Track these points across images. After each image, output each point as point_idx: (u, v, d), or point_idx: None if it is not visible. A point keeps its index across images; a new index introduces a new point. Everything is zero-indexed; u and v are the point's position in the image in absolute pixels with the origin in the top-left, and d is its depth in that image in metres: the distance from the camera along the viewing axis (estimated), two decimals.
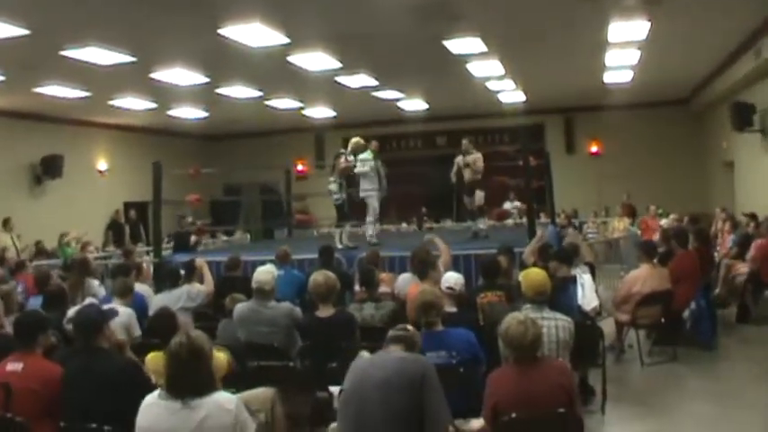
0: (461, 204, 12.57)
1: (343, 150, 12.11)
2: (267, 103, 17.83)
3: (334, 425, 4.49)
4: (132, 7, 9.37)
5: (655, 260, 9.08)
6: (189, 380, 3.65)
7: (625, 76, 16.37)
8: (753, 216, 12.68)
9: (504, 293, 6.55)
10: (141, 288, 8.15)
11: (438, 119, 21.46)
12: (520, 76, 16.30)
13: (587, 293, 7.71)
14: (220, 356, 4.88)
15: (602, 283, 11.18)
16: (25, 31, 9.98)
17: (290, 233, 17.00)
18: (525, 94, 18.61)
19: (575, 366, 5.37)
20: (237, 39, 11.01)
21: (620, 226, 17.12)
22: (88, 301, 6.96)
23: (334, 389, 4.73)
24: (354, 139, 11.94)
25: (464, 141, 12.02)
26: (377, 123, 20.81)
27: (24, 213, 16.39)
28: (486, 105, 19.76)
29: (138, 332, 6.52)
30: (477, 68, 14.69)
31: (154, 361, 4.85)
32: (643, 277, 8.71)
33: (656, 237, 11.67)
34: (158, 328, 5.68)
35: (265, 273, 6.56)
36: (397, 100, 18.68)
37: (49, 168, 17.44)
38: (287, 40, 11.37)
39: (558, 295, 6.38)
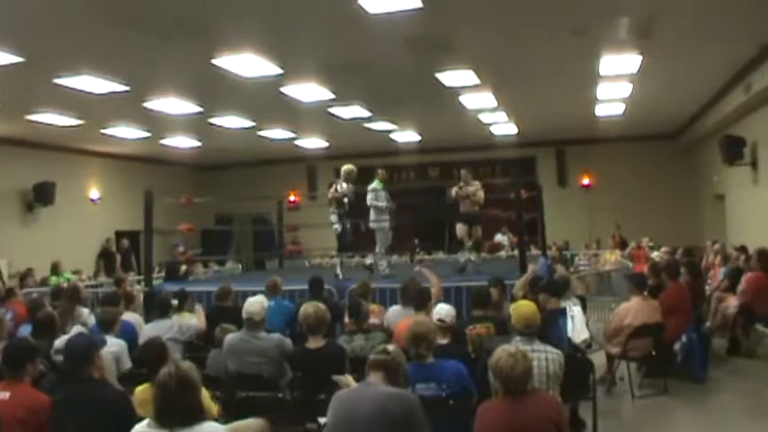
0: (453, 237, 12.55)
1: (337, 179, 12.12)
2: (260, 133, 17.87)
3: None
4: (126, 36, 9.41)
5: (645, 292, 9.09)
6: (177, 410, 3.63)
7: (617, 110, 16.46)
8: (743, 249, 12.70)
9: (494, 325, 6.53)
10: (131, 317, 8.12)
11: (430, 151, 21.53)
12: (512, 109, 16.36)
13: (577, 326, 7.69)
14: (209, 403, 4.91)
15: (593, 315, 11.19)
16: (19, 59, 10.01)
17: (282, 264, 16.98)
18: (517, 126, 18.66)
19: (565, 399, 5.34)
20: (231, 69, 11.06)
21: (611, 258, 17.12)
22: (77, 329, 6.92)
23: (324, 420, 4.69)
24: (346, 167, 11.92)
25: (463, 171, 12.02)
26: (369, 155, 20.80)
27: (15, 240, 16.38)
28: (479, 137, 19.81)
29: (128, 364, 6.45)
30: (469, 101, 14.76)
31: (142, 395, 4.83)
32: (634, 310, 8.71)
33: (646, 269, 11.66)
34: (147, 358, 5.64)
35: (256, 303, 6.55)
36: (390, 131, 18.73)
37: (41, 196, 17.40)
38: (280, 71, 11.43)
39: (548, 327, 6.38)
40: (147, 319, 8.48)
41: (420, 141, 20.41)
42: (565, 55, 11.49)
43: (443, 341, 5.99)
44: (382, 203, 11.69)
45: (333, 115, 15.59)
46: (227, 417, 5.36)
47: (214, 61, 10.63)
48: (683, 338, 9.01)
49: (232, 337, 6.46)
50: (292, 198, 20.99)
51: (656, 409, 8.12)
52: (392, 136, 19.39)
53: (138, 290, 11.79)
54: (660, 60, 11.89)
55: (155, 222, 11.98)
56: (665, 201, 20.52)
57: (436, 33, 10.06)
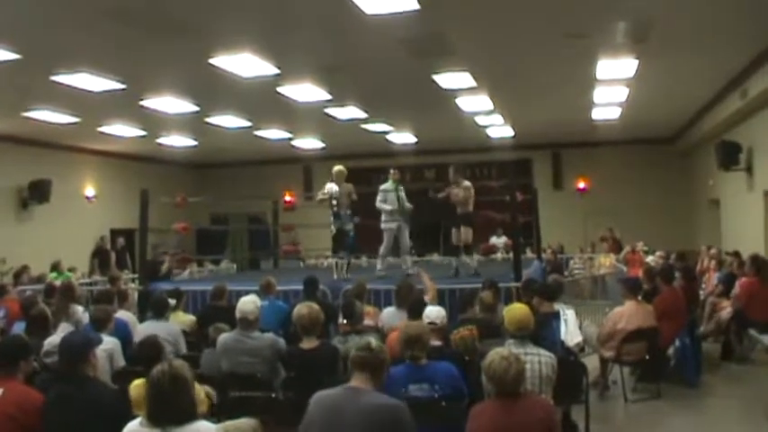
0: (447, 239, 12.51)
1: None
2: (256, 133, 17.86)
3: None
4: (124, 35, 9.40)
5: (639, 296, 9.10)
6: (170, 409, 3.62)
7: (613, 113, 16.47)
8: (736, 254, 12.73)
9: (477, 327, 6.50)
10: (125, 315, 8.11)
11: (427, 152, 21.54)
12: (508, 112, 16.38)
13: (571, 329, 7.71)
14: (200, 391, 4.88)
15: (587, 318, 11.20)
16: (16, 56, 10.01)
17: (276, 264, 16.97)
18: (514, 129, 18.69)
19: (557, 402, 5.34)
20: (228, 69, 11.06)
21: (606, 262, 17.13)
22: (63, 327, 6.91)
23: None
24: (336, 168, 11.95)
25: (450, 170, 11.72)
26: (365, 156, 20.86)
27: (10, 238, 16.34)
28: (475, 140, 19.82)
29: (121, 362, 6.45)
30: (466, 103, 14.78)
31: (137, 390, 4.82)
32: (628, 314, 8.71)
33: (641, 273, 11.67)
34: (144, 356, 5.63)
35: (249, 303, 6.53)
36: (386, 133, 18.74)
37: (36, 193, 17.37)
38: (277, 71, 11.43)
39: (542, 330, 6.39)
40: (141, 318, 8.48)
41: (416, 143, 20.44)
42: (561, 58, 11.51)
43: (436, 343, 5.98)
44: (389, 206, 11.66)
45: (329, 116, 15.60)
46: (219, 416, 5.36)
47: (211, 60, 10.63)
48: (677, 343, 9.04)
49: (226, 336, 6.45)
50: (288, 198, 20.99)
51: (649, 413, 8.13)
52: (388, 137, 19.40)
53: (132, 288, 11.79)
54: (656, 65, 11.91)
55: (150, 221, 11.97)
56: (660, 205, 20.55)
57: (433, 35, 10.07)
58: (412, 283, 8.49)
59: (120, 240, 19.24)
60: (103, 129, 16.41)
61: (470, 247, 11.78)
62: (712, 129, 16.37)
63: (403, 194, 11.86)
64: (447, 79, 12.60)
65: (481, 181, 19.47)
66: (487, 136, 19.32)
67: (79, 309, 8.55)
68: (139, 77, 11.89)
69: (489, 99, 14.55)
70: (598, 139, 19.84)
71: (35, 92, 12.50)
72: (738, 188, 15.11)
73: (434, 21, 9.36)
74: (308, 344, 6.08)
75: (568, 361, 6.51)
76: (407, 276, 10.70)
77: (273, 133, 18.17)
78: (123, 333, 7.24)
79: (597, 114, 16.61)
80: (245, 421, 5.57)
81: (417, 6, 8.47)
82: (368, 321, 7.76)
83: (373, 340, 4.31)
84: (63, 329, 6.75)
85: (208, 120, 15.76)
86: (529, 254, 16.51)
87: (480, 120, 16.99)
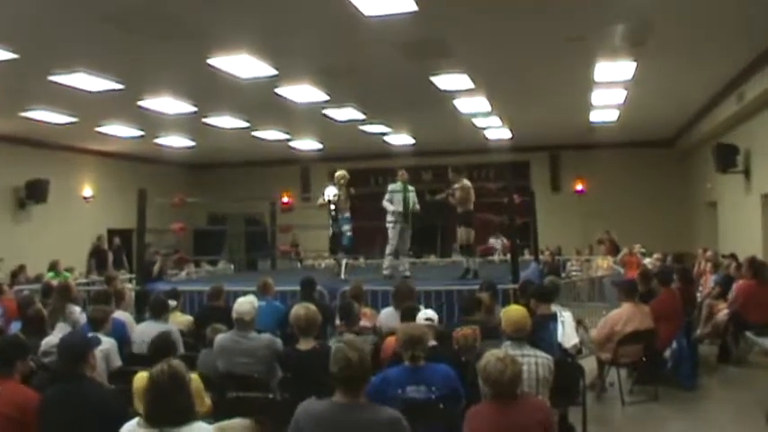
0: (445, 240, 12.52)
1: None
2: (254, 133, 17.85)
3: None
4: (121, 35, 9.38)
5: (636, 298, 9.10)
6: (168, 409, 3.63)
7: (611, 116, 16.49)
8: (733, 257, 12.74)
9: (480, 328, 6.52)
10: (122, 315, 8.10)
11: (424, 154, 21.51)
12: (506, 114, 16.38)
13: (568, 331, 7.71)
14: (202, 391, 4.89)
15: (585, 319, 11.19)
16: (14, 56, 9.99)
17: (274, 265, 16.97)
18: (511, 131, 18.70)
19: (554, 404, 5.35)
20: (226, 69, 11.05)
21: (603, 264, 17.13)
22: (60, 327, 6.90)
23: None
24: (338, 173, 12.13)
25: (449, 171, 11.76)
26: (363, 157, 20.87)
27: (7, 237, 16.33)
28: (473, 141, 19.82)
29: (118, 362, 6.44)
30: (463, 105, 14.78)
31: (140, 382, 4.82)
32: (625, 316, 8.72)
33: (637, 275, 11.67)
34: (159, 350, 5.65)
35: (246, 303, 6.54)
36: (384, 134, 18.74)
37: (34, 193, 17.35)
38: (275, 72, 11.42)
39: (539, 332, 6.39)
40: (139, 318, 8.47)
41: (414, 144, 20.44)
42: (560, 60, 11.52)
43: (431, 342, 5.98)
44: (393, 207, 11.73)
45: (327, 117, 15.59)
46: (216, 416, 5.36)
47: (209, 61, 10.63)
48: (674, 345, 9.05)
49: (222, 336, 6.45)
50: (285, 199, 20.98)
51: (646, 415, 8.14)
52: (386, 138, 19.39)
53: (129, 288, 11.76)
54: (654, 68, 11.93)
55: (147, 221, 11.97)
56: (657, 207, 20.56)
57: (431, 37, 10.07)
58: (410, 285, 8.50)
59: (116, 240, 19.23)
60: (101, 129, 16.40)
61: (472, 248, 11.79)
62: (710, 131, 16.39)
63: (412, 195, 11.91)
64: (445, 81, 12.60)
65: (479, 183, 19.52)
66: (485, 138, 19.33)
67: (76, 309, 8.51)
68: (137, 78, 11.88)
69: (487, 101, 14.55)
70: (596, 141, 19.85)
71: (33, 92, 12.49)
72: (736, 191, 15.12)
73: (432, 22, 9.36)
74: (304, 345, 6.08)
75: (565, 363, 6.52)
76: (405, 278, 10.71)
77: (271, 134, 18.16)
78: (120, 333, 7.24)
79: (595, 117, 16.63)
80: (240, 421, 5.60)
81: (415, 8, 8.47)
82: (365, 322, 7.77)
83: (353, 353, 3.95)
84: (60, 329, 6.74)
85: (205, 120, 15.75)
86: (526, 256, 16.52)
87: (478, 121, 16.99)
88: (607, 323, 8.98)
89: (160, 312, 7.80)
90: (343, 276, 11.74)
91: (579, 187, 22.13)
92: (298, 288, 9.22)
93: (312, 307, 6.30)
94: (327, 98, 13.66)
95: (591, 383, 8.31)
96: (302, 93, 13.12)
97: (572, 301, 12.54)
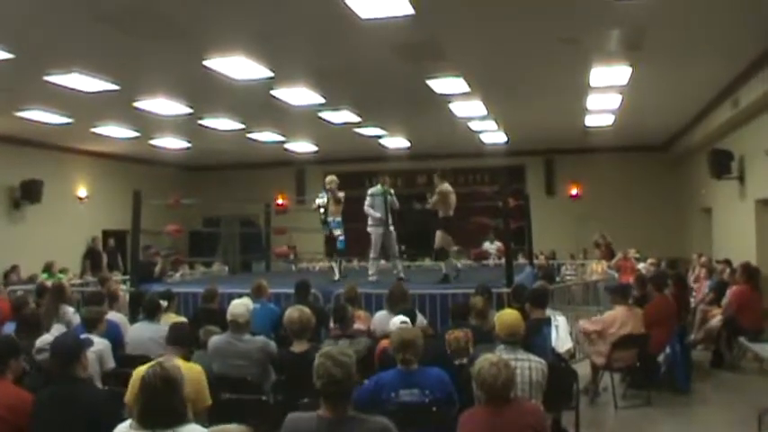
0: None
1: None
2: (249, 135, 17.82)
3: None
4: (117, 35, 9.36)
5: (630, 301, 9.13)
6: (160, 411, 3.61)
7: (606, 120, 16.49)
8: (727, 262, 12.76)
9: (472, 332, 6.51)
10: (116, 317, 8.08)
11: (420, 157, 21.49)
12: (502, 118, 16.40)
13: (561, 335, 7.71)
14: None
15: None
16: (9, 55, 9.96)
17: (269, 267, 16.96)
18: (507, 135, 18.70)
19: (548, 408, 5.36)
20: (221, 71, 11.04)
21: (598, 268, 17.14)
22: (57, 327, 6.89)
23: None
24: (327, 178, 12.34)
25: (435, 176, 11.86)
26: (358, 160, 20.89)
27: (1, 238, 16.29)
28: (468, 145, 19.83)
29: (111, 363, 6.42)
30: (459, 108, 14.78)
31: (138, 376, 4.81)
32: (620, 319, 8.74)
33: (632, 279, 11.69)
34: (179, 337, 5.79)
35: (240, 306, 6.54)
36: (380, 137, 18.72)
37: (28, 193, 17.27)
38: (271, 74, 11.41)
39: (532, 337, 6.39)
40: (133, 319, 8.45)
41: (409, 147, 20.44)
42: (555, 65, 11.52)
43: None
44: (375, 212, 11.77)
45: (323, 119, 15.56)
46: (209, 419, 5.35)
47: (205, 63, 10.61)
48: (668, 350, 9.06)
49: (216, 339, 6.45)
50: (280, 201, 20.99)
51: (639, 419, 8.15)
52: (382, 141, 19.37)
53: (123, 289, 11.74)
54: (650, 73, 11.94)
55: (142, 222, 11.95)
56: (652, 212, 20.60)
57: (427, 40, 10.07)
58: (404, 288, 8.49)
59: (111, 242, 19.21)
60: (96, 129, 16.34)
61: (446, 252, 11.77)
62: (704, 137, 16.42)
63: (392, 198, 12.00)
64: (441, 84, 12.60)
65: (474, 186, 19.57)
66: (481, 141, 19.33)
67: (70, 309, 8.52)
68: (133, 78, 11.85)
69: (483, 104, 14.55)
70: (591, 145, 19.87)
71: (28, 91, 12.45)
72: (730, 196, 15.14)
73: (429, 26, 9.36)
74: (298, 347, 6.09)
75: (559, 367, 6.52)
76: (399, 281, 10.72)
77: (267, 136, 18.13)
78: (114, 334, 7.21)
79: (590, 121, 16.63)
80: (234, 427, 5.58)
81: (412, 11, 8.47)
82: (358, 325, 7.76)
83: (337, 369, 3.89)
84: (57, 330, 6.73)
85: (201, 122, 15.72)
86: (521, 260, 16.52)
87: (474, 125, 16.99)
88: (600, 321, 9.04)
89: (153, 313, 7.79)
90: (336, 278, 11.76)
91: (574, 192, 22.17)
92: (292, 290, 9.22)
93: (306, 310, 6.31)
94: (323, 100, 13.64)
95: (584, 388, 8.33)
96: (298, 95, 13.10)
97: (566, 305, 12.53)
